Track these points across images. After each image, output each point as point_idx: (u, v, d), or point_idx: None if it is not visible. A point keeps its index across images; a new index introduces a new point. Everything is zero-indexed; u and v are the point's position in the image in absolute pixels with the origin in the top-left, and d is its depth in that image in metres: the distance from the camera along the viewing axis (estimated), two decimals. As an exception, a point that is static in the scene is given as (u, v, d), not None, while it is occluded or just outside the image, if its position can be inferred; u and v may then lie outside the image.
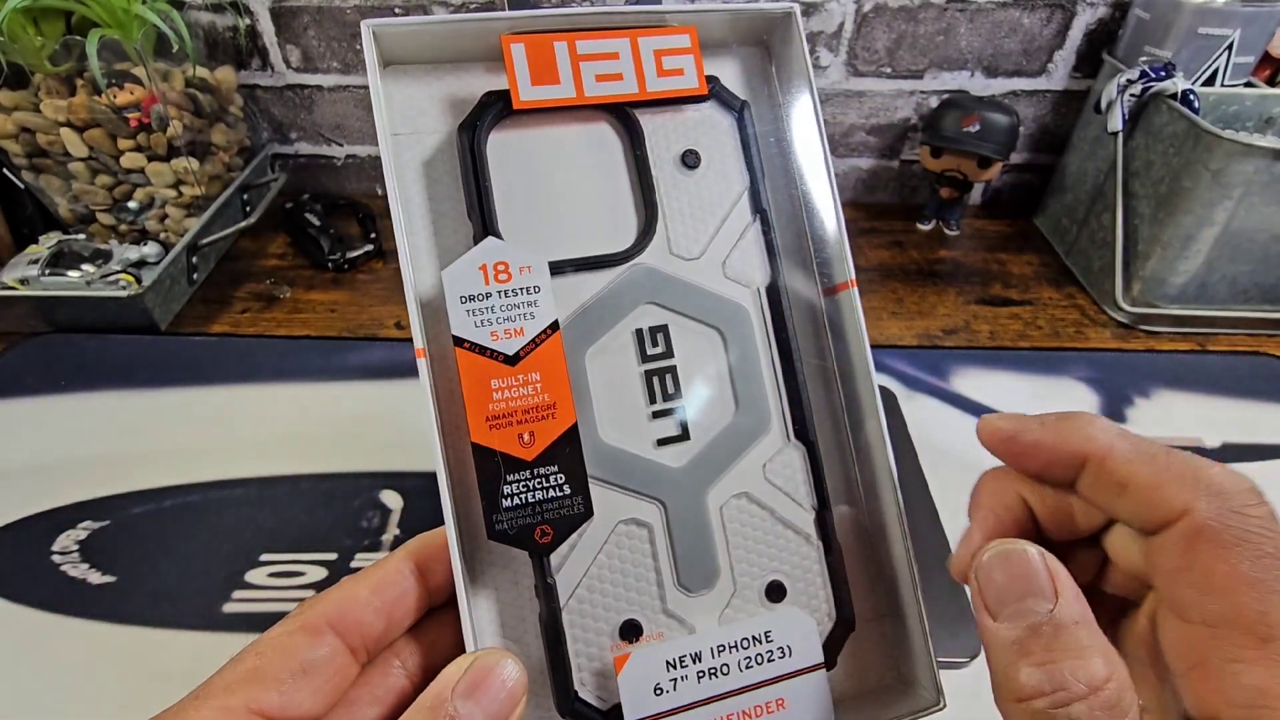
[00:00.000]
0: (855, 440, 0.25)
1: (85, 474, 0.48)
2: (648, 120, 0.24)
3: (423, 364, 0.21)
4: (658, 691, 0.21)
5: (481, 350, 0.20)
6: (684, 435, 0.23)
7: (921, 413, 0.53)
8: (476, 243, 0.21)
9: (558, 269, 0.22)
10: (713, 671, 0.21)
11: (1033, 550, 0.18)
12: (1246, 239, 0.57)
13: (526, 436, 0.21)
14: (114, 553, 0.43)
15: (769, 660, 0.22)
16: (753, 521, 0.23)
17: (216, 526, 0.45)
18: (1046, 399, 0.55)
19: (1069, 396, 0.55)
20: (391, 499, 0.47)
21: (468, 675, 0.19)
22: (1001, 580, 0.18)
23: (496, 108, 0.22)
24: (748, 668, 0.21)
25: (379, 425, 0.52)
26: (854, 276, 0.24)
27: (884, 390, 0.55)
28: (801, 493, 0.24)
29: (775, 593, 0.23)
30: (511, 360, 0.21)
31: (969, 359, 0.59)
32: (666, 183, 0.24)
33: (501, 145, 0.23)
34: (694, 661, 0.21)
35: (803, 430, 0.24)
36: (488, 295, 0.21)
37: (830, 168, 0.24)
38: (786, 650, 0.22)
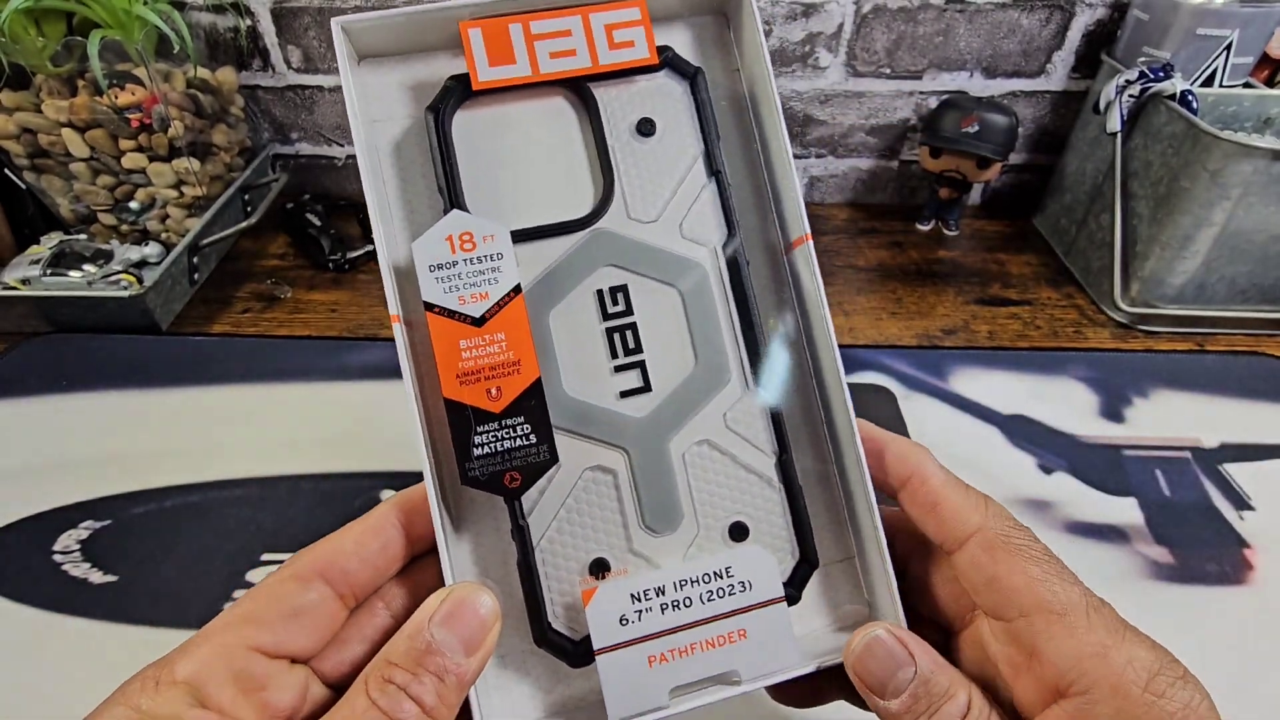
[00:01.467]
0: (819, 390, 0.26)
1: (86, 474, 0.48)
2: (602, 92, 0.25)
3: (399, 329, 0.23)
4: (623, 622, 0.22)
5: (450, 314, 0.22)
6: (645, 387, 0.24)
7: (921, 412, 0.54)
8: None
9: (521, 237, 0.24)
10: (676, 604, 0.23)
11: (882, 632, 0.22)
12: (1245, 239, 0.58)
13: (494, 391, 0.22)
14: (115, 552, 0.44)
15: (730, 594, 0.23)
16: (714, 466, 0.25)
17: (218, 526, 0.45)
18: (1045, 399, 0.55)
19: (1068, 396, 0.55)
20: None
21: (444, 605, 0.20)
22: (875, 668, 0.21)
23: (459, 90, 0.24)
24: (709, 600, 0.23)
25: (379, 425, 0.52)
26: (809, 231, 0.25)
27: (883, 390, 0.55)
28: (762, 439, 0.25)
29: (738, 533, 0.24)
30: (478, 322, 0.22)
31: (968, 359, 0.59)
32: (623, 151, 0.25)
33: (466, 124, 0.24)
34: (658, 594, 0.23)
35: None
36: (454, 263, 0.22)
37: (784, 128, 0.25)
38: (747, 585, 0.23)
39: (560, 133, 0.25)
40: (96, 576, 0.42)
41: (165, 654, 0.20)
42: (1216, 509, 0.47)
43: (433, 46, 0.25)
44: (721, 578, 0.23)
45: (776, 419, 0.25)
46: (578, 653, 0.23)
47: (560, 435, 0.23)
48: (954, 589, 0.24)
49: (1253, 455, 0.51)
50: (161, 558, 0.43)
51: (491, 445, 0.22)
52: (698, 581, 0.23)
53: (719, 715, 0.23)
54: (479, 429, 0.22)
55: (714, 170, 0.25)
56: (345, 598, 0.22)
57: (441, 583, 0.22)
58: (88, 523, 0.45)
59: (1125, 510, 0.47)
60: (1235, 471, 0.49)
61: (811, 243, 0.25)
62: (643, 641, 0.22)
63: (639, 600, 0.22)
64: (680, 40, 0.26)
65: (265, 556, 0.43)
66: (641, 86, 0.25)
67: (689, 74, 0.25)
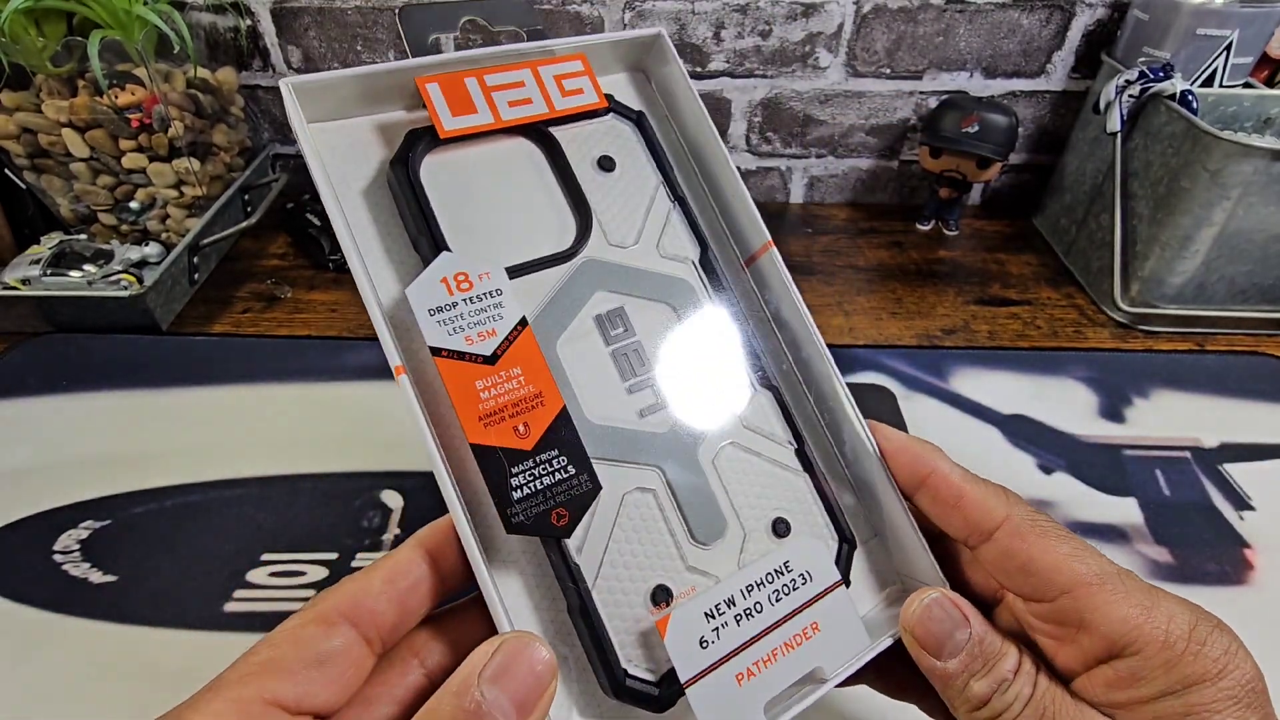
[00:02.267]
0: (804, 377, 0.27)
1: (86, 474, 0.48)
2: (560, 134, 0.26)
3: (404, 380, 0.21)
4: (703, 644, 0.21)
5: (460, 355, 0.21)
6: (661, 403, 0.25)
7: (921, 412, 0.54)
8: (428, 262, 0.22)
9: (513, 272, 0.24)
10: (748, 612, 0.22)
11: (937, 594, 0.22)
12: (1245, 239, 0.58)
13: (521, 428, 0.21)
14: (115, 552, 0.43)
15: (794, 589, 0.23)
16: (744, 467, 0.25)
17: (218, 526, 0.45)
18: (1045, 399, 0.55)
19: (1068, 396, 0.55)
20: (392, 499, 0.47)
21: (495, 658, 0.18)
22: (934, 629, 0.22)
23: (425, 140, 0.24)
24: (777, 601, 0.22)
25: (379, 425, 0.52)
26: (769, 239, 0.27)
27: (883, 390, 0.55)
28: (778, 433, 0.26)
29: (781, 528, 0.25)
30: (491, 360, 0.22)
31: (968, 359, 0.59)
32: (590, 185, 0.26)
33: (433, 171, 0.24)
34: (729, 606, 0.22)
35: (765, 377, 0.26)
36: (454, 304, 0.22)
37: (727, 154, 0.28)
38: (807, 576, 0.23)
39: (529, 171, 0.26)
40: (96, 576, 0.42)
41: (174, 708, 0.18)
42: (1216, 509, 0.47)
43: (387, 104, 0.25)
44: (783, 574, 0.23)
45: (786, 411, 0.26)
46: (662, 694, 0.21)
47: (594, 464, 0.22)
48: (977, 576, 0.24)
49: (1253, 455, 0.51)
50: (161, 558, 0.43)
51: (531, 485, 0.21)
52: (762, 584, 0.22)
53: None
54: (514, 470, 0.21)
55: (677, 196, 0.27)
56: (373, 643, 0.20)
57: (483, 638, 0.20)
58: (88, 523, 0.45)
59: (1125, 510, 0.47)
60: (1235, 471, 0.49)
61: (775, 249, 0.27)
62: (727, 660, 0.21)
63: (713, 617, 0.22)
64: (621, 86, 0.29)
65: (265, 556, 0.43)
66: (595, 127, 0.27)
67: (632, 117, 0.28)
